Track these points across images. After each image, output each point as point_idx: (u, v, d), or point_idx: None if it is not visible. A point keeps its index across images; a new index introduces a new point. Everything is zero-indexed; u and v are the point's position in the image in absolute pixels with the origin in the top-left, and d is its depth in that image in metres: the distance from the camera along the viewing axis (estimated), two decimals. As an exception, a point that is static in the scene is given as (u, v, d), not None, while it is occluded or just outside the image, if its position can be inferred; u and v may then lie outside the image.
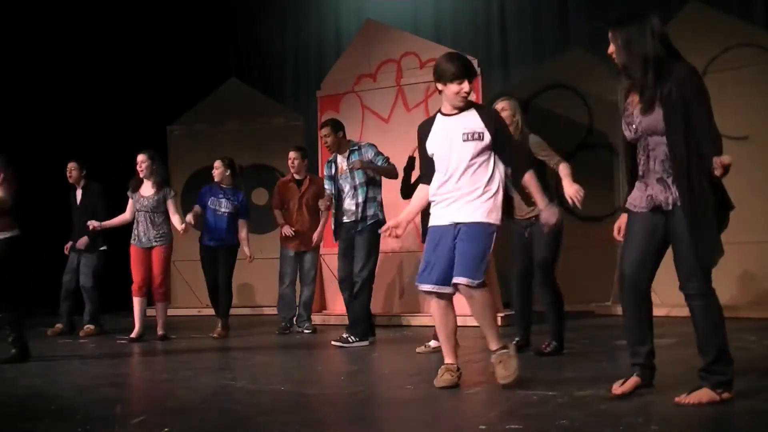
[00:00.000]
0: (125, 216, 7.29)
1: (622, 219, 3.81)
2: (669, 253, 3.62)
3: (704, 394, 3.42)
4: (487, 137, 4.13)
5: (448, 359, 4.23)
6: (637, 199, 3.66)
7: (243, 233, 7.37)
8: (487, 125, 4.14)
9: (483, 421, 3.27)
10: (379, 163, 6.37)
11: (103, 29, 10.75)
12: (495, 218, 4.13)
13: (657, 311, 3.82)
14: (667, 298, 6.28)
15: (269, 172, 10.15)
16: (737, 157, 7.50)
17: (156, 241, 7.11)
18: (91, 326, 7.61)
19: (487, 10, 10.62)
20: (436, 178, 4.23)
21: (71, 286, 7.74)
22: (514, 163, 4.27)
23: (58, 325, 7.71)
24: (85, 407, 3.91)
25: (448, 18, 10.81)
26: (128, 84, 10.99)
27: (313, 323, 7.48)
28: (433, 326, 5.92)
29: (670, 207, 3.51)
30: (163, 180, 7.28)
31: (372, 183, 6.41)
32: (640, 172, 3.65)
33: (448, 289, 4.13)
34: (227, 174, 7.39)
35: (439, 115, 4.28)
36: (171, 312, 9.47)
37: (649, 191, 3.59)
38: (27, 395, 4.37)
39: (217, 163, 7.43)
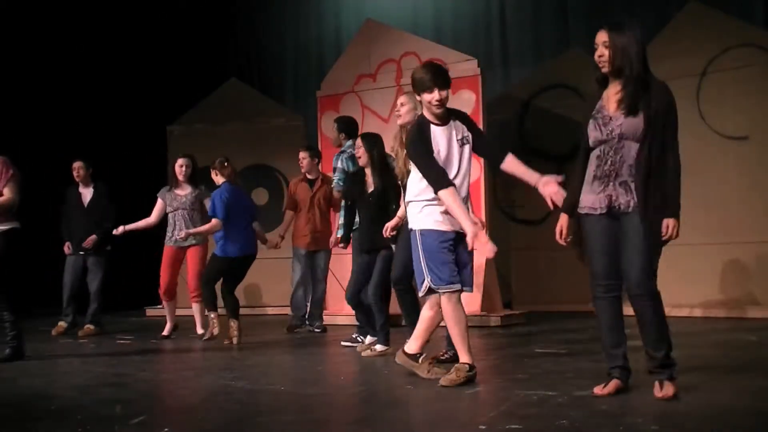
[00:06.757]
0: (150, 219, 7.14)
1: (563, 220, 3.83)
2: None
3: (671, 387, 3.56)
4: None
5: (465, 358, 4.18)
6: (595, 201, 3.67)
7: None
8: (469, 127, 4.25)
9: (483, 421, 3.27)
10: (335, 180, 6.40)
11: (103, 29, 10.76)
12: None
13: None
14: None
15: (269, 172, 10.15)
16: (737, 157, 7.64)
17: (193, 240, 6.99)
18: (91, 326, 7.61)
19: (487, 10, 10.61)
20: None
21: (76, 286, 7.72)
22: (491, 150, 4.34)
23: (62, 324, 7.69)
24: (85, 407, 3.91)
25: (448, 18, 10.80)
26: (128, 84, 11.00)
27: (324, 323, 7.45)
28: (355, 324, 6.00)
29: (630, 210, 3.58)
30: (197, 180, 7.24)
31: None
32: (597, 174, 3.66)
33: (458, 287, 4.16)
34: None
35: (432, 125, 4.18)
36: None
37: (609, 192, 3.63)
38: (27, 395, 4.36)
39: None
